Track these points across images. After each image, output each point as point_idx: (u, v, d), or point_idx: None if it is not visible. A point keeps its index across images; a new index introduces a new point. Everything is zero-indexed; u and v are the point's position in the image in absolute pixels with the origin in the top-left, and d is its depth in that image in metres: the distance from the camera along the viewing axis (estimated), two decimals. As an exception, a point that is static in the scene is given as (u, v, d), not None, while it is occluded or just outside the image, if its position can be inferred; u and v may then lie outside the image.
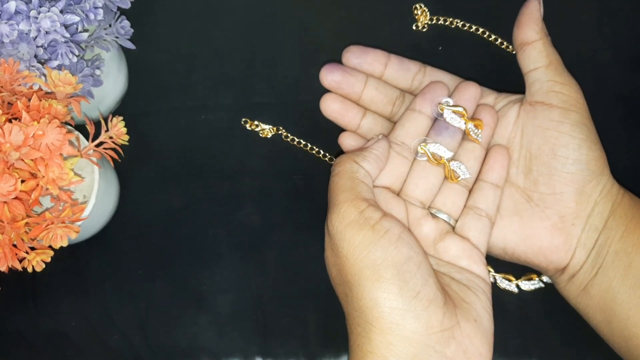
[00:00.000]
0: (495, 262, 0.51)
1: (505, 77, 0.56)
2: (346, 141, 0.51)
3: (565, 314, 0.50)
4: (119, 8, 0.48)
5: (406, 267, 0.40)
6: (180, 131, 0.56)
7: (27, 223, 0.41)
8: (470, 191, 0.48)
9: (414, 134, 0.48)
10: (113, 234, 0.54)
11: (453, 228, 0.47)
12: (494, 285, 0.51)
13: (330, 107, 0.51)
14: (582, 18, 0.58)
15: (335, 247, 0.41)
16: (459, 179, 0.47)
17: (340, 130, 0.55)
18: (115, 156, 0.46)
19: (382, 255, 0.40)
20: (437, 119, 0.49)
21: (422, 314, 0.39)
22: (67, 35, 0.44)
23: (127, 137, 0.46)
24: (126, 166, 0.52)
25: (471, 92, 0.49)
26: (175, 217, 0.54)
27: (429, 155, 0.47)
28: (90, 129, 0.45)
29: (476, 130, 0.48)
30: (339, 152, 0.53)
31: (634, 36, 0.58)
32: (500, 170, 0.48)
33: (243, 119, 0.56)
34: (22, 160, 0.40)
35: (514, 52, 0.57)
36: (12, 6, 0.42)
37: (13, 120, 0.40)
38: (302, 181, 0.55)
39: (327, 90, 0.53)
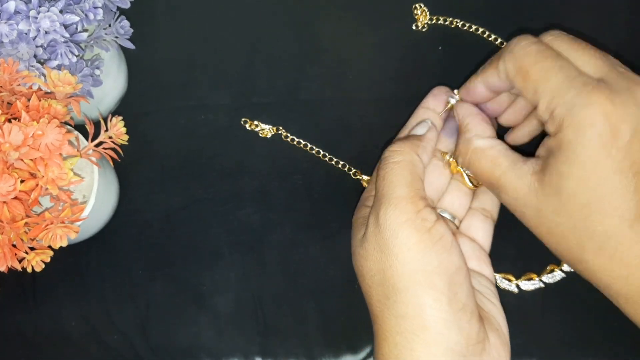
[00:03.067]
0: (495, 262, 0.51)
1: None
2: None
3: (566, 313, 0.50)
4: (118, 8, 0.48)
5: (456, 277, 0.39)
6: (180, 131, 0.56)
7: (26, 223, 0.41)
8: (474, 193, 0.48)
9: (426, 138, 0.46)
10: (113, 233, 0.54)
11: (457, 228, 0.47)
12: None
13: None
14: (582, 18, 0.58)
15: (385, 244, 0.39)
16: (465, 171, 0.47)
17: (340, 130, 0.55)
18: (115, 156, 0.46)
19: (435, 262, 0.38)
20: (447, 122, 0.49)
21: (465, 327, 0.38)
22: (67, 35, 0.44)
23: (126, 137, 0.46)
24: (126, 166, 0.52)
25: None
26: (175, 217, 0.54)
27: (451, 165, 0.46)
28: (90, 128, 0.45)
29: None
30: (338, 152, 0.53)
31: (634, 36, 0.58)
32: None
33: (243, 119, 0.56)
34: (22, 160, 0.40)
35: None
36: (11, 6, 0.42)
37: (12, 120, 0.40)
38: (302, 181, 0.55)
39: (324, 89, 0.53)
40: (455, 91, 0.48)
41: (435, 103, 0.48)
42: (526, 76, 0.40)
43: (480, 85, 0.45)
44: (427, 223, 0.39)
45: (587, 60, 0.41)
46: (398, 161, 0.42)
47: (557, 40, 0.42)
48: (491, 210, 0.47)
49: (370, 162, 0.54)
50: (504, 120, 0.48)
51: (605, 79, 0.39)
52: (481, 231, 0.46)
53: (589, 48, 0.42)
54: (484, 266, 0.45)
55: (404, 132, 0.48)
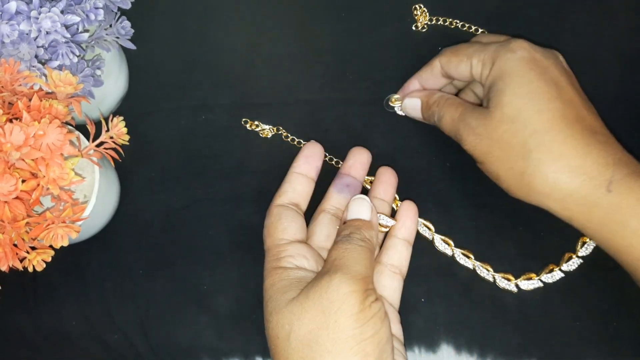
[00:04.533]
0: (495, 261, 0.52)
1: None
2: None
3: (565, 313, 0.50)
4: (119, 8, 0.48)
5: (386, 347, 0.41)
6: (181, 131, 0.56)
7: (27, 223, 0.41)
8: (381, 247, 0.50)
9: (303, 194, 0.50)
10: (113, 233, 0.54)
11: None
12: (494, 285, 0.51)
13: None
14: (582, 18, 0.58)
15: (330, 306, 0.40)
16: (386, 228, 0.50)
17: (340, 130, 0.56)
18: (116, 156, 0.46)
19: (371, 332, 0.40)
20: (338, 176, 0.51)
21: None
22: (68, 35, 0.44)
23: (127, 137, 0.46)
24: (127, 166, 0.52)
25: (364, 158, 0.53)
26: (175, 216, 0.54)
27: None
28: (91, 129, 0.45)
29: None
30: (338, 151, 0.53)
31: (634, 36, 0.58)
32: (411, 226, 0.50)
33: (243, 119, 0.56)
34: (23, 160, 0.40)
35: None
36: (12, 6, 0.42)
37: (14, 120, 0.40)
38: (302, 181, 0.55)
39: (324, 89, 0.53)
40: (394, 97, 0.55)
41: (308, 167, 0.51)
42: (457, 52, 0.51)
43: (415, 82, 0.54)
44: (370, 299, 0.41)
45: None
46: (362, 245, 0.44)
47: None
48: (400, 266, 0.49)
49: (373, 165, 0.54)
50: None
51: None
52: (390, 289, 0.48)
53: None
54: (395, 326, 0.47)
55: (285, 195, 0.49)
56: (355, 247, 0.43)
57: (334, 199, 0.50)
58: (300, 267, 0.44)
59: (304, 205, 0.50)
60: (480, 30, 0.58)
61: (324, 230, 0.49)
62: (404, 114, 0.56)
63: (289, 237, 0.46)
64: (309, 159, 0.51)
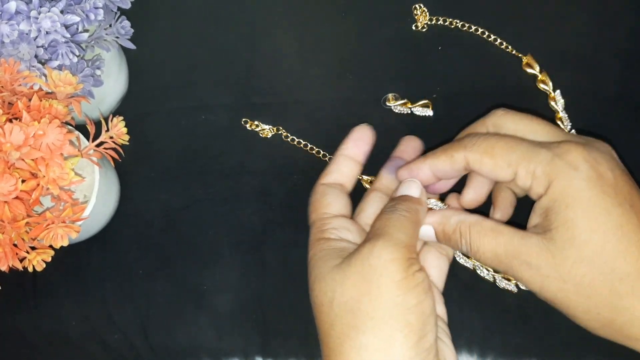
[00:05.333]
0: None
1: (504, 77, 0.57)
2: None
3: (565, 313, 0.50)
4: (119, 8, 0.48)
5: (429, 320, 0.39)
6: (181, 131, 0.56)
7: (27, 223, 0.41)
8: None
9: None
10: (113, 233, 0.54)
11: None
12: (494, 285, 0.51)
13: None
14: (582, 18, 0.58)
15: (372, 273, 0.39)
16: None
17: (340, 130, 0.55)
18: (116, 156, 0.46)
19: (414, 301, 0.39)
20: (390, 159, 0.49)
21: None
22: (68, 35, 0.44)
23: (127, 137, 0.46)
24: (127, 166, 0.52)
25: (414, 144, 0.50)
26: (175, 216, 0.54)
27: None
28: (91, 128, 0.45)
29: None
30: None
31: (634, 36, 0.58)
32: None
33: (243, 119, 0.56)
34: (23, 160, 0.40)
35: (513, 52, 0.57)
36: (12, 6, 0.42)
37: (14, 120, 0.40)
38: (302, 181, 0.55)
39: (324, 89, 0.53)
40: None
41: (356, 151, 0.49)
42: (493, 153, 0.42)
43: (427, 169, 0.45)
44: (414, 268, 0.40)
45: (538, 128, 0.44)
46: (407, 216, 0.42)
47: (503, 118, 0.45)
48: (447, 249, 0.47)
49: (370, 162, 0.54)
50: (468, 200, 0.48)
51: (564, 139, 0.42)
52: (436, 268, 0.46)
53: (534, 117, 0.44)
54: (439, 307, 0.45)
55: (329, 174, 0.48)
56: (398, 216, 0.42)
57: (385, 179, 0.49)
58: (344, 239, 0.44)
59: (349, 186, 0.48)
60: (480, 30, 0.58)
61: (373, 207, 0.47)
62: (401, 113, 0.56)
63: (333, 212, 0.45)
64: (358, 143, 0.48)
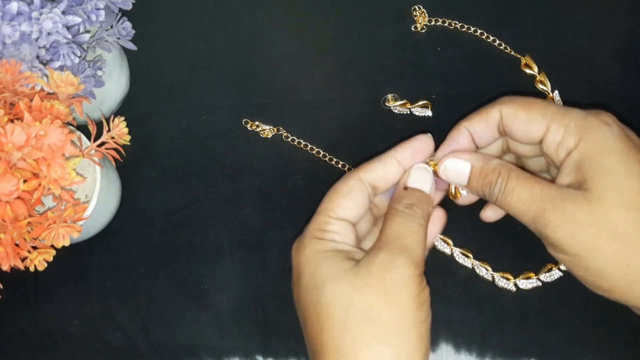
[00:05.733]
0: (494, 261, 0.52)
1: (502, 78, 0.57)
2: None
3: (564, 312, 0.51)
4: (120, 9, 0.49)
5: (429, 333, 0.41)
6: (182, 131, 0.57)
7: (29, 222, 0.41)
8: None
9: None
10: (115, 233, 0.54)
11: None
12: (493, 284, 0.51)
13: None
14: (581, 18, 0.59)
15: (393, 286, 0.40)
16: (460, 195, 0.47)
17: (340, 130, 0.56)
18: (117, 156, 0.46)
19: (424, 316, 0.41)
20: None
21: None
22: (69, 36, 0.44)
23: (128, 137, 0.46)
24: (128, 166, 0.52)
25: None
26: (176, 216, 0.55)
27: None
28: (92, 129, 0.45)
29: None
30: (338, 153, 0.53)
31: (633, 36, 0.58)
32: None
33: (244, 120, 0.57)
34: (25, 160, 0.40)
35: (512, 53, 0.57)
36: (14, 7, 0.42)
37: (15, 121, 0.40)
38: (302, 181, 0.55)
39: (324, 90, 0.53)
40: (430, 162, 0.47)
41: (409, 160, 0.46)
42: (529, 107, 0.43)
43: (464, 131, 0.46)
44: (424, 283, 0.41)
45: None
46: (423, 224, 0.43)
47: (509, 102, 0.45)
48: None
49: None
50: (485, 216, 0.50)
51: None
52: None
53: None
54: None
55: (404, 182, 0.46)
56: (417, 226, 0.42)
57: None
58: (343, 242, 0.44)
59: (382, 190, 0.46)
60: (479, 31, 0.58)
61: (355, 201, 0.46)
62: (401, 113, 0.56)
63: (344, 215, 0.44)
64: (417, 154, 0.46)
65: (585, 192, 0.39)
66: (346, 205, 0.44)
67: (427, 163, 0.46)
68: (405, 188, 0.45)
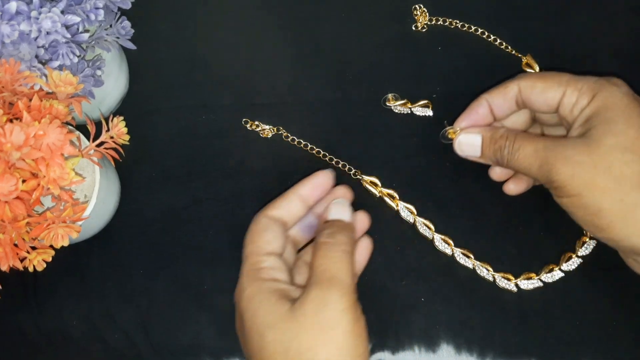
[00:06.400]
0: (494, 261, 0.52)
1: (504, 77, 0.56)
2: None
3: (565, 312, 0.51)
4: (119, 8, 0.49)
5: None
6: (181, 131, 0.57)
7: (28, 223, 0.41)
8: None
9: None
10: (114, 233, 0.54)
11: None
12: (494, 284, 0.51)
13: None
14: (582, 18, 0.59)
15: (328, 325, 0.41)
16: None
17: (340, 130, 0.56)
18: (116, 156, 0.46)
19: (362, 349, 0.42)
20: (303, 218, 0.50)
21: None
22: (68, 35, 0.44)
23: (127, 137, 0.46)
24: (127, 166, 0.52)
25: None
26: (176, 216, 0.54)
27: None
28: (91, 128, 0.45)
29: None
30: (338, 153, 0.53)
31: (633, 36, 0.58)
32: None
33: (244, 119, 0.57)
34: (23, 160, 0.40)
35: (512, 52, 0.57)
36: (13, 7, 0.42)
37: (14, 121, 0.40)
38: (302, 181, 0.55)
39: (325, 90, 0.53)
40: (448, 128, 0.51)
41: (311, 195, 0.49)
42: (545, 77, 0.47)
43: (484, 102, 0.49)
44: (359, 311, 0.42)
45: None
46: (347, 250, 0.44)
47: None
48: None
49: (370, 162, 0.54)
50: (508, 190, 0.52)
51: None
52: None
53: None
54: None
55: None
56: (341, 254, 0.44)
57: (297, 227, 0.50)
58: (278, 279, 0.45)
59: (290, 224, 0.49)
60: (480, 30, 0.58)
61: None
62: (401, 113, 0.56)
63: (269, 249, 0.46)
64: (316, 188, 0.49)
65: (586, 139, 0.44)
66: (269, 240, 0.46)
67: (446, 132, 0.50)
68: (326, 222, 0.47)
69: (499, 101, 0.49)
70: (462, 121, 0.50)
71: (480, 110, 0.49)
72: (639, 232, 0.42)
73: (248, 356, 0.44)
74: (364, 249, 0.49)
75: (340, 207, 0.48)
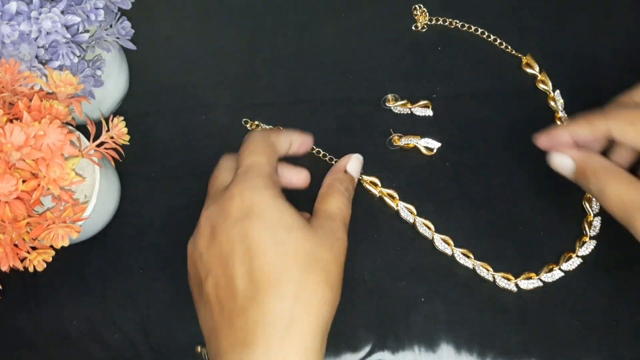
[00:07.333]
0: (494, 261, 0.52)
1: (503, 77, 0.57)
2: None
3: (565, 312, 0.51)
4: (119, 9, 0.49)
5: None
6: (181, 131, 0.56)
7: (28, 223, 0.41)
8: None
9: None
10: (114, 233, 0.54)
11: None
12: (493, 284, 0.51)
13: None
14: (582, 17, 0.59)
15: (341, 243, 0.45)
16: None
17: (340, 130, 0.56)
18: (116, 156, 0.46)
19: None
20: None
21: None
22: (68, 35, 0.44)
23: (128, 137, 0.46)
24: (127, 166, 0.52)
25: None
26: (176, 216, 0.54)
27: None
28: (91, 129, 0.45)
29: None
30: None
31: (633, 36, 0.58)
32: None
33: (243, 119, 0.57)
34: (24, 160, 0.40)
35: (512, 52, 0.57)
36: (13, 7, 0.42)
37: (14, 121, 0.40)
38: (302, 181, 0.55)
39: (324, 89, 0.53)
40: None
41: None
42: (635, 121, 0.45)
43: (566, 135, 0.48)
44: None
45: None
46: (350, 199, 0.49)
47: None
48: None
49: (370, 162, 0.54)
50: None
51: None
52: None
53: None
54: None
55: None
56: (349, 202, 0.49)
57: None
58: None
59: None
60: (480, 30, 0.58)
61: None
62: (401, 113, 0.56)
63: (280, 151, 0.49)
64: (305, 142, 0.51)
65: None
66: (274, 143, 0.48)
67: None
68: (345, 171, 0.51)
69: (584, 136, 0.47)
70: (542, 143, 0.49)
71: (559, 139, 0.48)
72: None
73: (232, 248, 0.43)
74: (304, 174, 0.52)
75: (358, 165, 0.52)
